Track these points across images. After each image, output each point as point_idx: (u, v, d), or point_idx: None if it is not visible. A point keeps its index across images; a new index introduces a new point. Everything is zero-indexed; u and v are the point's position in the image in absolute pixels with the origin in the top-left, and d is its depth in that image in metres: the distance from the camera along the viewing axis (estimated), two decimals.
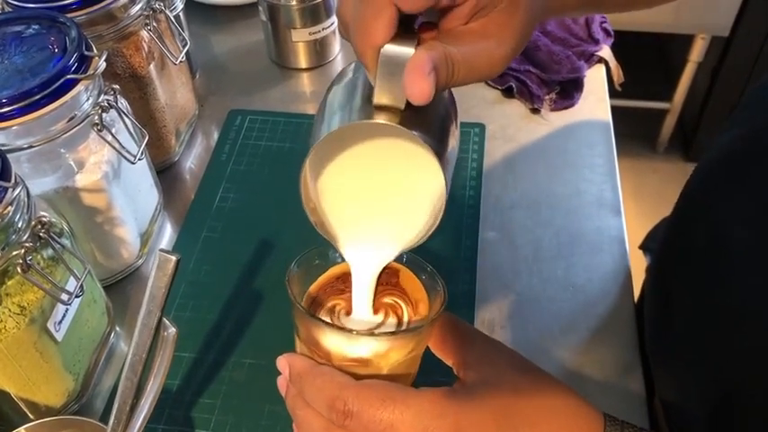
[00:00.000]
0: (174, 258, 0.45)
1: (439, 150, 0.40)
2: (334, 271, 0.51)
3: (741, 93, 2.04)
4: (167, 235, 0.78)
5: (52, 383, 0.60)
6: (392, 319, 0.48)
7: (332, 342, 0.45)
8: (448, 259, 0.73)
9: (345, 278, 0.49)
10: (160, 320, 0.47)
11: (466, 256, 0.73)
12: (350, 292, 0.48)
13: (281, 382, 0.47)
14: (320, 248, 0.49)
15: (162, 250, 0.46)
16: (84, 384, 0.64)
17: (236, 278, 0.73)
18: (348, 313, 0.48)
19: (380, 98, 0.39)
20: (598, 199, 0.78)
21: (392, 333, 0.46)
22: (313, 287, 0.50)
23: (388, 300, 0.49)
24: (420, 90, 0.37)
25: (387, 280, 0.49)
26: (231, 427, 0.63)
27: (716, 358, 0.54)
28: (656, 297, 0.65)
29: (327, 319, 0.47)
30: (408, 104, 0.39)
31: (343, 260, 0.48)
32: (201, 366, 0.67)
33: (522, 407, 0.44)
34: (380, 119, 0.39)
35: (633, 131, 2.25)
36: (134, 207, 0.72)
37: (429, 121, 0.41)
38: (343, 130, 0.40)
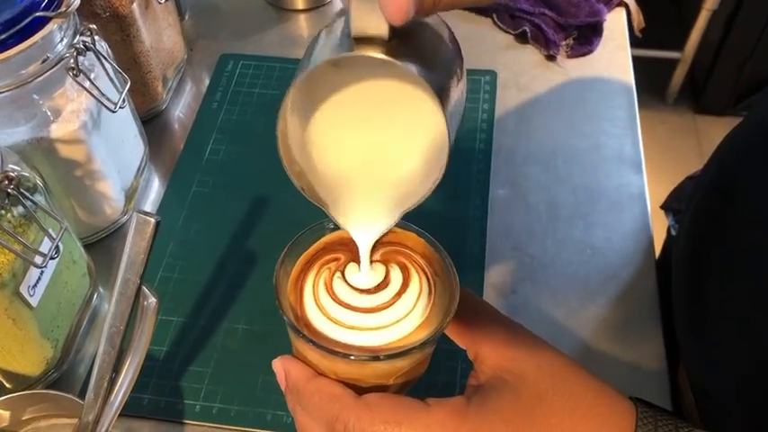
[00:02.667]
0: (152, 220, 0.40)
1: (434, 83, 0.34)
2: (327, 239, 0.45)
3: (755, 44, 1.96)
4: (154, 189, 0.73)
5: (28, 352, 0.56)
6: (398, 277, 0.42)
7: (329, 364, 0.40)
8: (455, 219, 0.68)
9: (340, 246, 0.44)
10: (139, 289, 0.42)
11: (475, 215, 0.68)
12: (345, 259, 0.43)
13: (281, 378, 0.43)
14: (308, 231, 0.44)
15: (140, 211, 0.41)
16: (65, 351, 0.60)
17: (229, 237, 0.68)
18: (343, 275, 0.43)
19: (357, 25, 0.33)
20: (618, 154, 0.73)
21: (398, 354, 0.40)
22: (303, 258, 0.44)
23: (392, 258, 0.44)
24: (397, 5, 0.31)
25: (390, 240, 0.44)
26: (222, 397, 0.58)
27: (752, 334, 0.49)
28: (688, 268, 0.60)
29: (323, 287, 0.42)
30: (394, 34, 0.33)
31: (336, 228, 0.43)
32: (191, 332, 0.62)
33: (544, 414, 0.38)
34: (360, 51, 0.33)
35: (642, 81, 2.16)
36: (117, 160, 0.66)
37: (421, 53, 0.35)
38: (319, 73, 0.34)
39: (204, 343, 0.61)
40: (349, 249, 0.44)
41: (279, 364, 0.42)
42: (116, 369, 0.45)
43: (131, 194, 0.70)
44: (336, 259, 0.43)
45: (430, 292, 0.42)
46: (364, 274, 0.42)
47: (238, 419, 0.57)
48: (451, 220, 0.68)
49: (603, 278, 0.65)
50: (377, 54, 0.33)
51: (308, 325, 0.40)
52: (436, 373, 0.58)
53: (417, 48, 0.35)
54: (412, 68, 0.33)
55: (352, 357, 0.39)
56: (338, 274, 0.42)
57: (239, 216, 0.69)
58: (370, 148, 0.40)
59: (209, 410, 0.58)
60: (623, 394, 0.40)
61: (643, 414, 0.39)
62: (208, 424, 0.57)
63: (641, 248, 0.66)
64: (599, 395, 0.39)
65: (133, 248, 0.41)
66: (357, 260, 0.43)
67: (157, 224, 0.41)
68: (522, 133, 0.75)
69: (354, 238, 0.42)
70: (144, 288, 0.42)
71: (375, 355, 0.39)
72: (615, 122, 0.75)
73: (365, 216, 0.41)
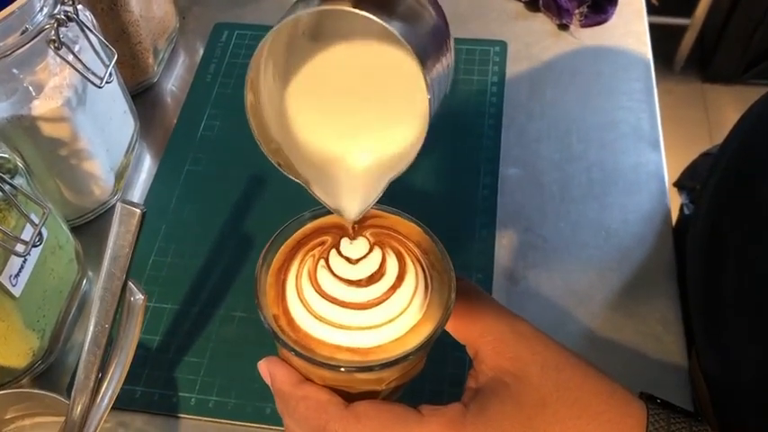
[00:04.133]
0: (138, 211, 0.37)
1: (408, 35, 0.31)
2: (314, 224, 0.42)
3: (766, 10, 1.90)
4: (145, 168, 0.70)
5: (12, 344, 0.53)
6: (393, 268, 0.39)
7: (315, 370, 0.37)
8: (463, 200, 0.64)
9: (327, 230, 0.41)
10: (125, 285, 0.39)
11: (484, 195, 0.64)
12: (332, 241, 0.40)
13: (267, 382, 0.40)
14: (294, 222, 0.41)
15: (124, 201, 0.37)
16: (53, 341, 0.57)
17: (225, 218, 0.64)
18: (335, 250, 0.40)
19: None
20: (635, 130, 0.69)
21: (392, 363, 0.36)
22: (286, 246, 0.41)
23: (386, 243, 0.40)
24: None
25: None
26: (219, 389, 0.55)
27: None
28: (704, 252, 0.57)
29: (306, 278, 0.38)
30: None
31: (323, 213, 0.40)
32: (185, 320, 0.59)
33: (547, 422, 0.36)
34: (325, 5, 0.31)
35: None
36: (105, 137, 0.62)
37: (391, 6, 0.32)
38: (291, 43, 0.33)
39: (199, 332, 0.58)
40: (337, 232, 0.40)
41: (264, 367, 0.39)
42: (103, 369, 0.42)
43: (121, 174, 0.66)
44: (322, 243, 0.40)
45: (426, 287, 0.38)
46: (352, 246, 0.39)
47: (236, 413, 0.54)
48: (459, 201, 0.64)
49: (619, 262, 0.61)
50: (341, 6, 0.30)
51: (291, 322, 0.37)
52: (443, 365, 0.55)
53: (387, 3, 0.32)
54: (379, 18, 0.30)
55: (342, 369, 0.36)
56: (322, 262, 0.38)
57: (236, 196, 0.66)
58: (350, 117, 0.37)
59: (205, 404, 0.55)
60: (633, 395, 0.37)
61: (654, 417, 0.36)
62: (204, 418, 0.54)
63: (659, 231, 0.63)
64: (607, 399, 0.36)
65: (117, 242, 0.38)
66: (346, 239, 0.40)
67: (143, 215, 0.37)
68: (534, 108, 0.71)
69: (340, 214, 0.39)
70: (130, 284, 0.39)
71: (366, 366, 0.36)
72: (632, 96, 0.71)
73: (350, 189, 0.38)
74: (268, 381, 0.39)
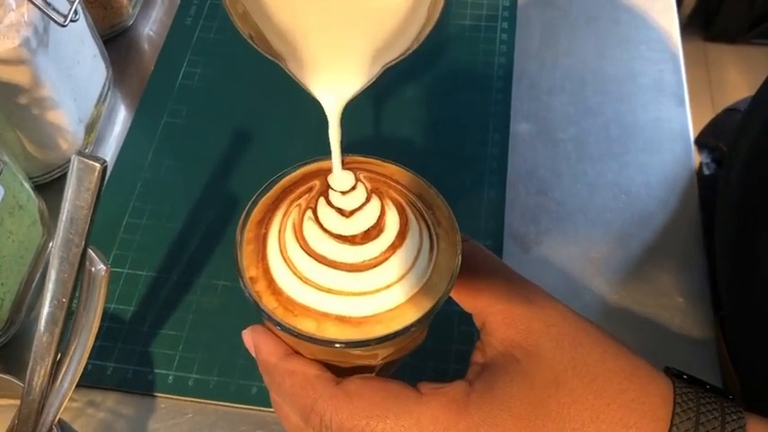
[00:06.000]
0: (97, 166, 0.31)
1: None
2: (302, 170, 0.36)
3: None
4: (119, 120, 0.63)
5: None
6: (393, 221, 0.34)
7: (303, 345, 0.32)
8: (470, 159, 0.58)
9: (316, 174, 0.35)
10: (84, 253, 0.33)
11: (493, 153, 0.58)
12: (321, 186, 0.35)
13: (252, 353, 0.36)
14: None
15: (81, 154, 0.31)
16: (14, 310, 0.51)
17: (206, 176, 0.58)
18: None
19: None
20: (657, 83, 0.63)
21: (391, 337, 0.31)
22: (269, 196, 0.35)
23: (384, 191, 0.35)
24: None
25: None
26: (200, 365, 0.50)
27: None
28: (736, 219, 0.51)
29: (291, 232, 0.33)
30: None
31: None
32: (162, 289, 0.53)
33: (561, 403, 0.31)
34: None
35: None
36: (71, 84, 0.56)
37: None
38: None
39: (178, 302, 0.53)
40: (327, 175, 0.35)
41: (248, 337, 0.35)
42: (62, 348, 0.36)
43: (92, 126, 0.60)
44: (310, 189, 0.34)
45: (432, 248, 0.33)
46: (345, 198, 0.33)
47: (218, 393, 0.49)
48: (465, 160, 0.58)
49: (640, 228, 0.56)
50: None
51: (272, 284, 0.32)
52: (448, 340, 0.49)
53: None
54: None
55: (337, 346, 0.31)
56: (309, 213, 0.33)
57: (219, 151, 0.60)
58: None
59: (185, 382, 0.49)
60: (658, 371, 0.33)
61: (682, 397, 0.32)
62: (183, 398, 0.49)
63: (683, 194, 0.58)
64: (629, 376, 0.32)
65: (74, 202, 0.32)
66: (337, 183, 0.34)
67: (104, 170, 0.31)
68: (547, 58, 0.65)
69: (322, 103, 0.33)
70: (90, 252, 0.33)
71: (359, 342, 0.31)
72: (653, 46, 0.65)
73: (335, 68, 0.32)
74: (253, 352, 0.35)
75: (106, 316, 0.52)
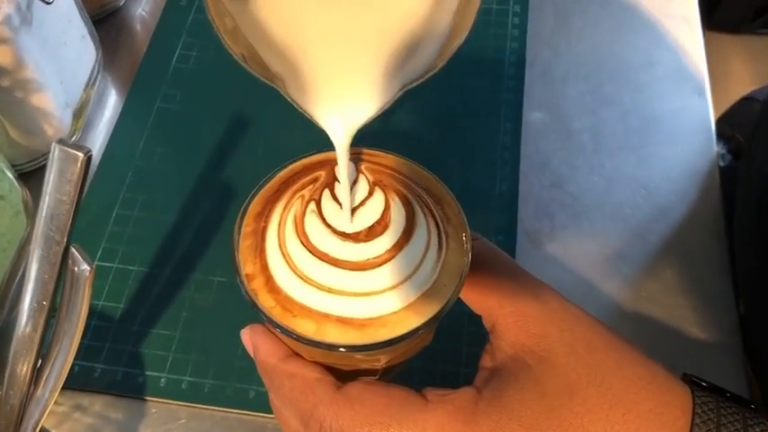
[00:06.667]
0: (80, 155, 0.28)
1: None
2: (306, 161, 0.34)
3: None
4: (110, 105, 0.60)
5: None
6: (399, 215, 0.31)
7: (302, 347, 0.30)
8: (480, 148, 0.55)
9: (319, 165, 0.33)
10: (67, 252, 0.30)
11: (505, 144, 0.55)
12: (325, 179, 0.32)
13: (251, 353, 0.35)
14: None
15: (62, 143, 0.28)
16: None
17: (202, 165, 0.55)
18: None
19: None
20: (677, 71, 0.60)
21: (397, 341, 0.29)
22: (270, 187, 0.33)
23: (389, 184, 0.32)
24: None
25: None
26: (194, 367, 0.47)
27: None
28: (759, 212, 0.49)
29: (291, 226, 0.31)
30: None
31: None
32: (154, 285, 0.50)
33: (575, 413, 0.29)
34: None
35: None
36: (58, 66, 0.53)
37: None
38: None
39: (171, 299, 0.50)
40: (334, 166, 0.32)
41: (247, 337, 0.34)
42: (43, 354, 0.33)
43: (80, 111, 0.57)
44: (314, 180, 0.32)
45: (441, 246, 0.31)
46: (344, 186, 0.31)
47: (213, 397, 0.46)
48: (475, 151, 0.55)
49: (660, 224, 0.53)
50: None
51: (270, 282, 0.30)
52: (458, 342, 0.47)
53: None
54: None
55: (341, 350, 0.29)
56: (312, 206, 0.31)
57: (215, 139, 0.56)
58: None
59: (177, 385, 0.46)
60: (676, 378, 0.31)
61: (701, 407, 0.30)
62: (175, 402, 0.46)
63: (704, 187, 0.55)
64: (646, 385, 0.30)
65: (55, 196, 0.29)
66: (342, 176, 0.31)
67: (88, 160, 0.28)
68: (561, 43, 0.62)
69: (328, 132, 0.30)
70: (73, 250, 0.30)
71: (365, 346, 0.29)
72: (672, 32, 0.62)
73: (343, 90, 0.29)
74: (252, 353, 0.34)
75: (94, 314, 0.49)
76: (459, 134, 0.56)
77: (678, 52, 0.61)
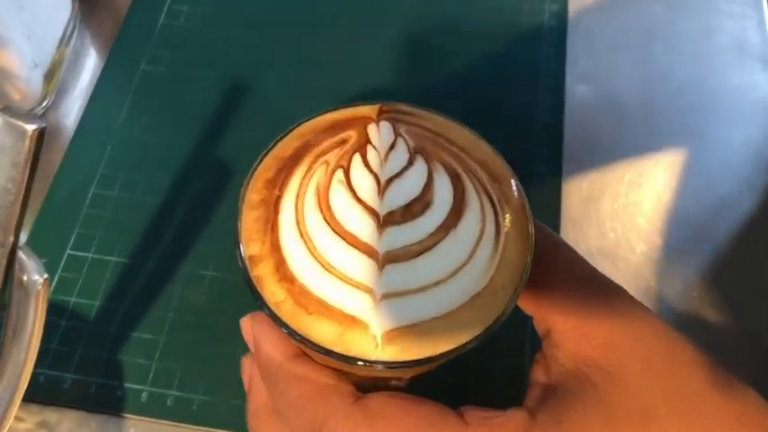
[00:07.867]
0: (29, 130, 0.21)
1: None
2: (331, 116, 0.27)
3: None
4: (88, 66, 0.53)
5: None
6: (446, 190, 0.25)
7: (323, 357, 0.24)
8: (517, 124, 0.48)
9: (350, 123, 0.27)
10: (13, 257, 0.22)
11: (545, 120, 0.48)
12: (357, 141, 0.26)
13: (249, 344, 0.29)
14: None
15: (7, 111, 0.21)
16: None
17: (193, 138, 0.48)
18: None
19: None
20: (739, 42, 0.53)
21: (440, 357, 0.23)
22: (285, 145, 0.27)
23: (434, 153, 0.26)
24: None
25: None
26: (181, 380, 0.40)
27: None
28: None
29: (313, 200, 0.24)
30: None
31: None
32: (136, 279, 0.43)
33: None
34: None
35: None
36: (24, 18, 0.46)
37: None
38: None
39: (155, 296, 0.43)
40: (364, 126, 0.26)
41: (248, 327, 0.28)
42: None
43: (52, 72, 0.49)
44: (341, 143, 0.26)
45: (498, 232, 0.25)
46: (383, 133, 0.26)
47: (204, 416, 0.39)
48: (512, 129, 0.48)
49: (720, 215, 0.47)
50: None
51: (282, 266, 0.23)
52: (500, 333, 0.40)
53: None
54: None
55: (360, 363, 0.23)
56: (340, 174, 0.25)
57: (209, 107, 0.49)
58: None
59: (162, 400, 0.39)
60: (759, 398, 0.26)
61: None
62: (159, 421, 0.39)
63: None
64: (739, 416, 0.26)
65: None
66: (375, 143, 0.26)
67: (41, 135, 0.21)
68: (607, 7, 0.54)
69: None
70: (22, 255, 0.23)
71: (398, 363, 0.23)
72: None
73: None
74: (251, 345, 0.28)
75: (64, 313, 0.42)
76: (493, 108, 0.49)
77: (740, 22, 0.54)
